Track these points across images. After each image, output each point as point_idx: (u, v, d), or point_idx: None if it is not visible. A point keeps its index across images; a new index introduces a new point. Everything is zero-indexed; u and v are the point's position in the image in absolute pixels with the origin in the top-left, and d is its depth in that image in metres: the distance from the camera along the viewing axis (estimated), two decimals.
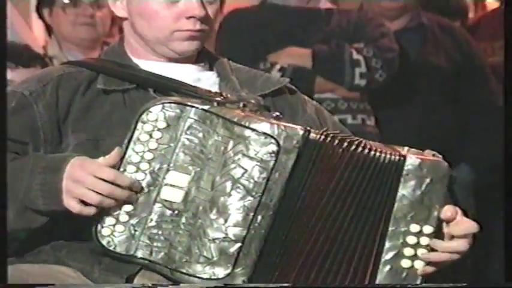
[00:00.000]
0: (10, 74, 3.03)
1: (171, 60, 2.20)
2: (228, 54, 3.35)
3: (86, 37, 3.45)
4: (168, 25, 2.16)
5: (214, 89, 2.19)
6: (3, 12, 2.10)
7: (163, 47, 2.19)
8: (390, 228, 2.02)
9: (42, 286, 2.03)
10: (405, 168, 2.00)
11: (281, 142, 1.98)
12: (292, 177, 2.00)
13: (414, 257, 2.02)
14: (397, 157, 2.01)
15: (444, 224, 2.04)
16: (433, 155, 2.06)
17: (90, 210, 1.97)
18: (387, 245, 2.02)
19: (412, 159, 2.00)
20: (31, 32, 4.00)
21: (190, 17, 2.15)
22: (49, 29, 3.72)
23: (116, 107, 2.11)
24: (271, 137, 1.98)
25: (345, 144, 2.02)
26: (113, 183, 1.95)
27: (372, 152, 2.02)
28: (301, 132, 1.99)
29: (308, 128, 2.02)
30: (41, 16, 3.72)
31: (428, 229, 2.01)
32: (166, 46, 2.19)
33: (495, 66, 4.08)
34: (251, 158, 1.99)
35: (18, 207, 2.02)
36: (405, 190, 2.01)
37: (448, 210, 2.02)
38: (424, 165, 2.00)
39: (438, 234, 2.04)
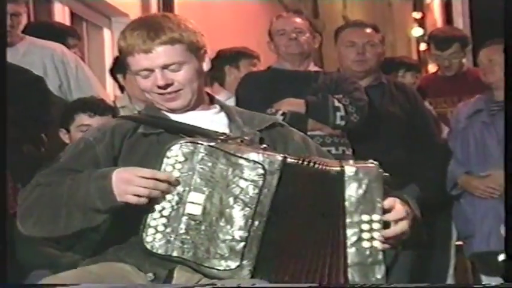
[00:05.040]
0: (89, 120, 3.31)
1: (188, 110, 2.36)
2: (244, 104, 3.41)
3: None
4: (150, 90, 2.33)
5: (224, 127, 2.34)
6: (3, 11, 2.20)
7: (161, 106, 2.36)
8: (347, 220, 2.18)
9: (45, 286, 2.16)
10: (346, 175, 2.17)
11: (266, 166, 2.15)
12: (277, 192, 2.16)
13: (371, 238, 2.17)
14: (339, 168, 2.18)
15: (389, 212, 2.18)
16: (371, 163, 2.21)
17: (144, 201, 2.12)
18: (349, 233, 2.17)
19: (350, 168, 2.18)
20: (105, 89, 4.26)
21: (159, 86, 2.31)
22: (121, 87, 3.97)
23: (152, 145, 2.28)
24: (259, 163, 2.15)
25: (310, 164, 2.18)
26: (153, 179, 2.10)
27: (322, 167, 2.18)
28: (280, 158, 2.16)
29: (285, 155, 2.17)
30: (115, 79, 3.98)
31: (376, 217, 2.17)
32: (162, 105, 2.36)
33: (439, 114, 4.52)
34: (245, 180, 2.16)
35: (82, 210, 2.15)
36: (350, 191, 2.17)
37: (388, 202, 2.18)
38: (360, 171, 2.17)
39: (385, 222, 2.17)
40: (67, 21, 4.72)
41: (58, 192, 2.18)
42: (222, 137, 2.21)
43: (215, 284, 2.13)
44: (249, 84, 3.93)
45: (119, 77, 3.96)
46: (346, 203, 2.16)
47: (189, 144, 2.15)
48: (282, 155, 2.16)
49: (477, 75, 4.32)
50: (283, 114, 3.72)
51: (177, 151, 2.15)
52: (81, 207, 2.14)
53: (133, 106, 3.77)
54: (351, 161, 2.21)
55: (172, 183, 2.12)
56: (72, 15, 4.89)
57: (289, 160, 2.16)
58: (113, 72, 4.05)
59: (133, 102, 3.84)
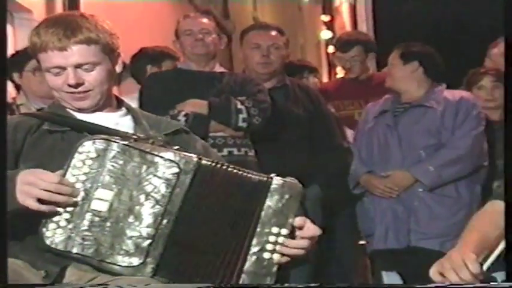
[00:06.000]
0: None
1: (95, 110, 2.35)
2: (149, 104, 3.65)
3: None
4: (60, 88, 2.32)
5: (130, 130, 2.34)
6: (3, 13, 2.24)
7: (68, 104, 2.35)
8: (258, 229, 2.21)
9: (42, 286, 2.14)
10: (272, 186, 2.21)
11: (181, 166, 2.16)
12: (189, 192, 2.16)
13: (273, 251, 2.21)
14: (266, 178, 2.22)
15: (297, 229, 2.24)
16: (293, 179, 2.25)
17: (45, 208, 2.11)
18: (254, 241, 2.20)
19: (277, 181, 2.21)
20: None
21: (70, 85, 2.31)
22: (17, 86, 3.86)
23: (56, 142, 2.27)
24: (174, 162, 2.16)
25: (228, 168, 2.20)
26: (58, 183, 2.09)
27: (245, 174, 2.22)
28: (196, 159, 2.17)
29: (200, 157, 2.19)
30: (10, 79, 3.82)
31: (284, 231, 2.21)
32: (69, 103, 2.35)
33: (346, 116, 4.61)
34: (159, 178, 2.16)
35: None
36: (271, 202, 2.21)
37: (299, 220, 2.22)
38: (285, 185, 2.21)
39: (292, 235, 2.23)
40: None
41: None
42: (134, 137, 2.21)
43: (107, 284, 2.12)
44: (153, 84, 3.93)
45: (15, 75, 3.87)
46: (263, 213, 2.19)
47: (102, 141, 2.15)
48: (197, 156, 2.18)
49: (383, 79, 4.40)
50: (186, 115, 3.74)
51: (89, 147, 2.14)
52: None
53: (30, 104, 3.73)
54: (273, 174, 2.24)
55: (76, 188, 2.11)
56: None
57: (204, 161, 2.18)
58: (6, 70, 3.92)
59: (30, 100, 3.79)
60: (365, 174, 4.12)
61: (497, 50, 4.79)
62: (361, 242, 4.39)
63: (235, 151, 3.77)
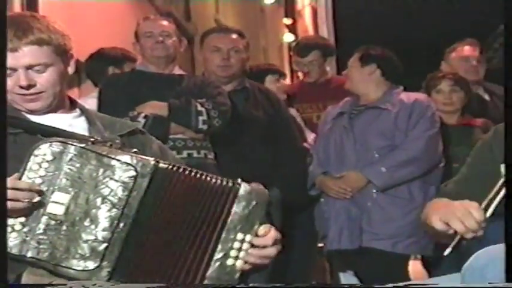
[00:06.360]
0: None
1: (48, 112, 2.32)
2: (108, 106, 3.61)
3: None
4: (11, 90, 2.28)
5: (84, 131, 2.32)
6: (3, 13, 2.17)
7: (20, 106, 2.32)
8: (223, 235, 2.19)
9: (42, 286, 2.12)
10: (240, 192, 2.18)
11: (138, 169, 2.13)
12: (147, 195, 2.14)
13: (237, 257, 2.19)
14: (233, 184, 2.19)
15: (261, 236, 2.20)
16: (260, 187, 2.22)
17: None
18: (219, 247, 2.18)
19: (245, 187, 2.19)
20: None
21: (21, 86, 2.28)
22: None
23: (9, 145, 2.17)
24: (131, 165, 2.13)
25: (190, 172, 2.17)
26: (13, 188, 2.06)
27: (209, 178, 2.19)
28: (153, 162, 2.14)
29: (158, 159, 2.16)
30: None
31: (249, 237, 2.19)
32: (21, 105, 2.31)
33: (305, 119, 4.63)
34: (116, 181, 2.13)
35: None
36: (238, 208, 2.18)
37: (264, 228, 2.20)
38: (253, 192, 2.19)
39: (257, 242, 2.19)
40: None
41: None
42: (92, 139, 2.18)
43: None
44: (112, 86, 3.92)
45: None
46: (229, 219, 2.18)
47: (59, 143, 2.13)
48: (154, 159, 2.16)
49: (341, 82, 4.43)
50: (146, 117, 3.74)
51: (45, 150, 2.12)
52: None
53: None
54: (239, 180, 2.22)
55: (34, 191, 2.07)
56: None
57: (161, 165, 2.16)
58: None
59: None
60: (320, 176, 4.14)
61: (455, 55, 4.84)
62: (320, 245, 4.38)
63: (194, 153, 3.78)
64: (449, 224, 2.12)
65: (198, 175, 2.16)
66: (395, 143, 4.03)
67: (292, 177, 4.15)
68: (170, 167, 2.16)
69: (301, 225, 4.31)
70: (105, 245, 2.12)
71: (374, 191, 4.01)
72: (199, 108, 3.77)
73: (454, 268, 2.23)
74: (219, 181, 2.17)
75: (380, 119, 4.06)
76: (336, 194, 4.05)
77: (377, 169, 3.99)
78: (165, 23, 4.01)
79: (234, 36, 4.16)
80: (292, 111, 4.50)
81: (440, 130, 4.09)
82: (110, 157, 2.14)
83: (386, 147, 4.03)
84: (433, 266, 3.98)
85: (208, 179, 2.17)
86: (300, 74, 5.05)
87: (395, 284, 2.06)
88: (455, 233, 2.12)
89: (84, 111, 2.40)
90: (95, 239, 2.12)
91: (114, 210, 2.13)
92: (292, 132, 4.27)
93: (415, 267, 4.10)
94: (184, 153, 3.75)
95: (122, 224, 2.13)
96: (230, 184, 2.18)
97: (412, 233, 3.91)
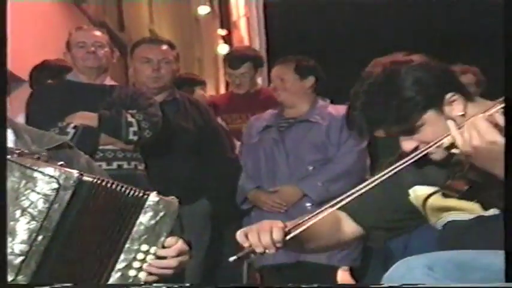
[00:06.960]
0: None
1: None
2: (36, 116, 3.59)
3: None
4: None
5: (10, 143, 2.28)
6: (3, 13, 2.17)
7: None
8: (126, 245, 2.17)
9: (41, 286, 2.11)
10: (147, 202, 2.17)
11: (61, 181, 2.12)
12: (69, 208, 2.13)
13: (140, 268, 2.18)
14: (142, 194, 2.18)
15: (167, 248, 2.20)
16: (172, 198, 2.21)
17: None
18: (122, 257, 2.17)
19: (153, 197, 2.17)
20: None
21: None
22: None
23: None
24: (54, 177, 2.12)
25: (106, 184, 2.17)
26: None
27: (123, 190, 2.17)
28: (76, 175, 2.14)
29: (82, 173, 2.16)
30: None
31: (154, 249, 2.18)
32: None
33: (234, 129, 4.61)
34: (38, 193, 2.11)
35: None
36: (144, 218, 2.17)
37: (171, 240, 2.20)
38: (161, 202, 2.18)
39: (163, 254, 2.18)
40: None
41: None
42: (17, 151, 2.16)
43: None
44: (41, 96, 3.88)
45: None
46: (134, 229, 2.17)
47: None
48: (78, 171, 2.15)
49: (270, 93, 4.46)
50: (75, 127, 3.72)
51: None
52: None
53: None
54: (155, 192, 2.21)
55: None
56: None
57: (85, 178, 2.15)
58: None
59: None
60: (253, 190, 4.13)
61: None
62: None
63: (125, 165, 3.77)
64: (247, 237, 2.17)
65: (118, 187, 2.16)
66: (329, 156, 4.06)
67: (222, 188, 4.16)
68: (94, 180, 2.15)
69: (231, 237, 4.36)
70: (21, 258, 2.10)
71: (308, 204, 4.02)
72: (130, 119, 3.75)
73: (380, 278, 2.24)
74: (132, 192, 2.17)
75: (311, 132, 4.07)
76: (270, 209, 4.04)
77: (313, 182, 4.01)
78: (98, 33, 4.01)
79: (164, 47, 4.16)
80: (219, 120, 4.51)
81: (369, 142, 4.11)
82: (33, 169, 2.12)
83: (319, 161, 4.05)
84: (359, 275, 4.01)
85: (123, 190, 2.17)
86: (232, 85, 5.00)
87: (390, 284, 2.04)
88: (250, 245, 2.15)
89: (10, 124, 2.37)
90: (11, 252, 2.09)
91: (33, 222, 2.11)
92: (222, 143, 4.28)
93: (343, 277, 4.14)
94: (115, 164, 3.74)
95: (40, 237, 2.11)
96: (138, 194, 2.17)
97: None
